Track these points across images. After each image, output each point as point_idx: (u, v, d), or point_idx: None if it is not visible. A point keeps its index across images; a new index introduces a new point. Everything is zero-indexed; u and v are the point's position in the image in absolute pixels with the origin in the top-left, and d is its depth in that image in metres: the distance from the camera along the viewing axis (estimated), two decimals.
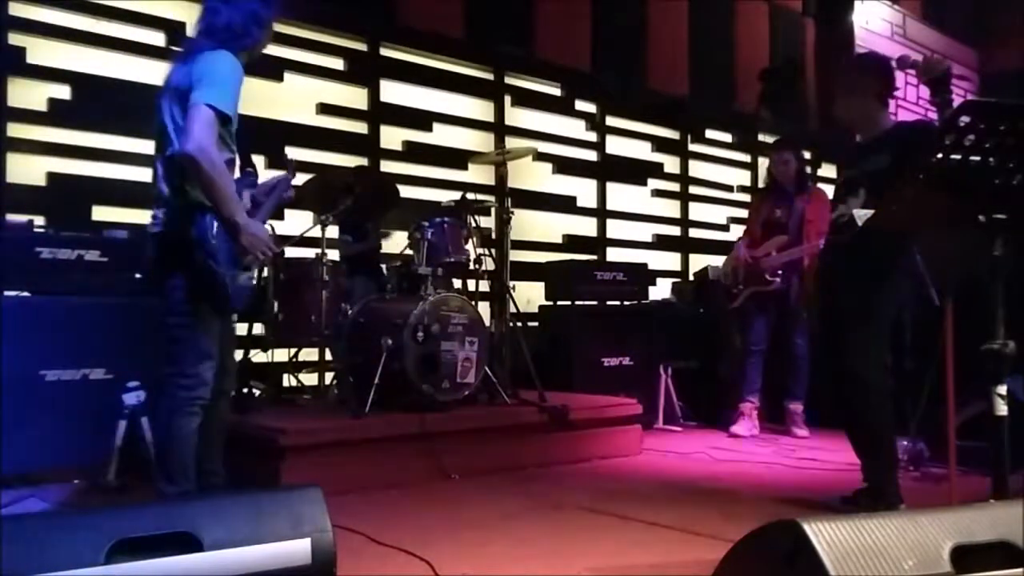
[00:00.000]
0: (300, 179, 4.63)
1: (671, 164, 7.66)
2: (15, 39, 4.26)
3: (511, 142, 6.21)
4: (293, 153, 5.12)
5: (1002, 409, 2.08)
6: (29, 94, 4.31)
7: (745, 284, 5.21)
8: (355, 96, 5.64)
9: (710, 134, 8.00)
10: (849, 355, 3.07)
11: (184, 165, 2.46)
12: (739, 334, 5.33)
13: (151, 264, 2.66)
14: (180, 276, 2.56)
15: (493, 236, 4.79)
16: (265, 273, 4.29)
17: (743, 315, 5.26)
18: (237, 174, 2.74)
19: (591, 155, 7.00)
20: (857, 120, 3.31)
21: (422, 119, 5.91)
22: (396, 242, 5.17)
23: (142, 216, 4.24)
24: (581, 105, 6.93)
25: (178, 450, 2.57)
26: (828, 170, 8.72)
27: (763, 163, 6.78)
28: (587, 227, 6.94)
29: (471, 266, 4.49)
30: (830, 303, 3.29)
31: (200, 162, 2.41)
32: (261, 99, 5.10)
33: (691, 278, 7.07)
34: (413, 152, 5.85)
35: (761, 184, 7.00)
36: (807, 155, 8.62)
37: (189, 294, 2.56)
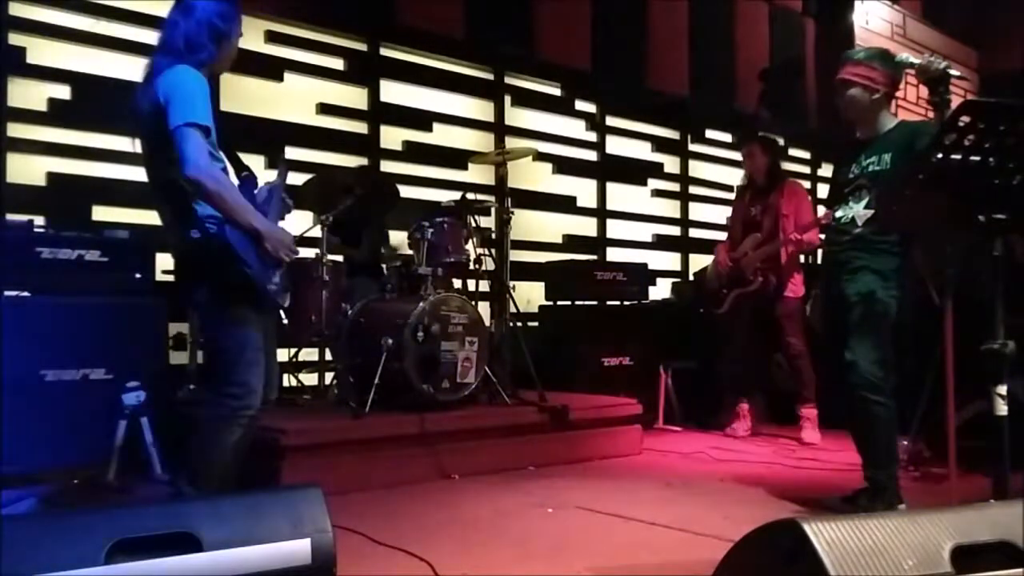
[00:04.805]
0: (301, 179, 4.67)
1: (671, 164, 7.65)
2: (15, 39, 4.26)
3: (511, 142, 6.20)
4: (293, 153, 5.13)
5: (1002, 409, 2.08)
6: (29, 94, 4.31)
7: (729, 287, 5.21)
8: (355, 96, 5.64)
9: (710, 134, 7.99)
10: (853, 353, 3.07)
11: (189, 189, 2.46)
12: (729, 336, 5.30)
13: (178, 285, 2.68)
14: (215, 288, 2.56)
15: (493, 236, 4.79)
16: None
17: (732, 317, 5.23)
18: (236, 181, 2.74)
19: (591, 155, 7.00)
20: (860, 117, 3.29)
21: (422, 119, 5.91)
22: (396, 242, 5.18)
23: (142, 216, 4.29)
24: (581, 105, 6.92)
25: (217, 461, 2.55)
26: (828, 170, 8.71)
27: None
28: (587, 227, 6.93)
29: (471, 266, 4.50)
30: (834, 302, 3.28)
31: (204, 182, 2.42)
32: (261, 99, 5.10)
33: (691, 278, 7.07)
34: (413, 152, 5.85)
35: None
36: (810, 155, 8.79)
37: (228, 303, 2.56)
